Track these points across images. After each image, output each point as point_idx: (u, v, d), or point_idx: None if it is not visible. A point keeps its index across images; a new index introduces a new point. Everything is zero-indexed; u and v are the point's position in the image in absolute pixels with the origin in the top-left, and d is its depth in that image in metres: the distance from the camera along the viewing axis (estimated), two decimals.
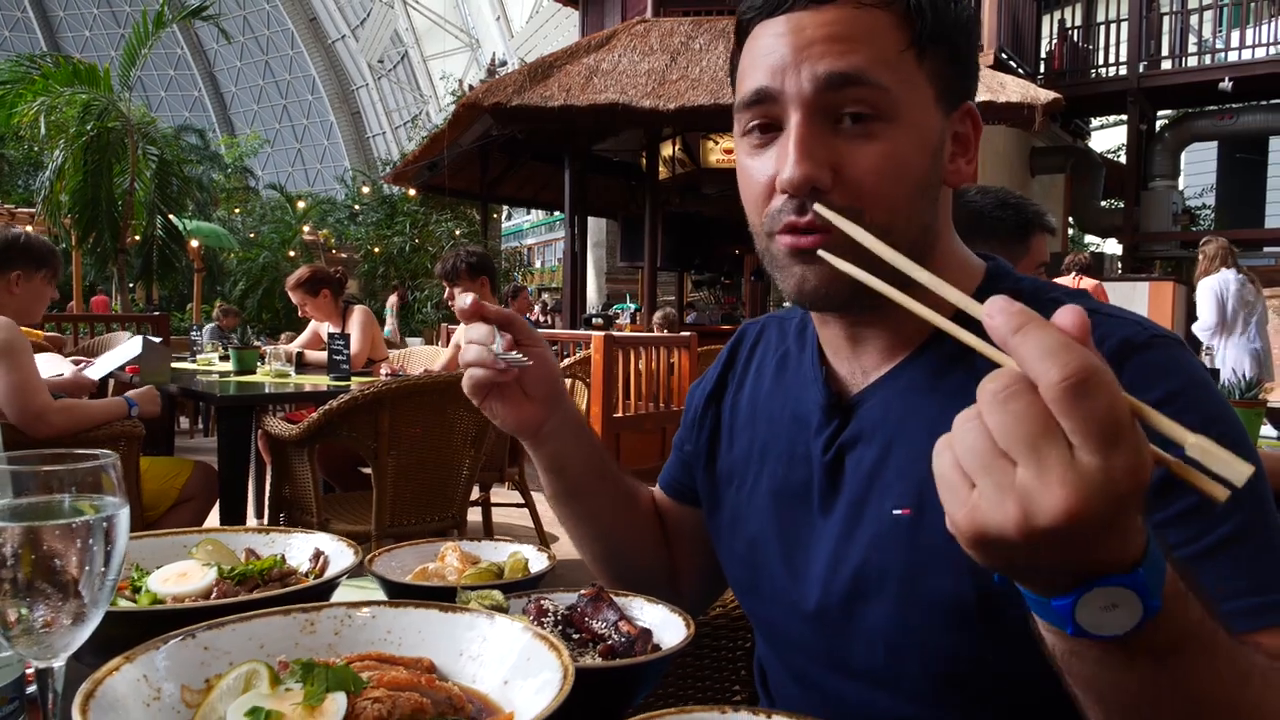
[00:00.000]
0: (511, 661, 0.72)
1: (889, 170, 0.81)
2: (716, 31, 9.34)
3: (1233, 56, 12.74)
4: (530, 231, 31.36)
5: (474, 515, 4.29)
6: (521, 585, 0.97)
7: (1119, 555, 0.50)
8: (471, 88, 13.14)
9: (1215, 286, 6.76)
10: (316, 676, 0.62)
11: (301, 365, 4.74)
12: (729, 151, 10.41)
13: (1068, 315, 0.49)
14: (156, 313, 11.22)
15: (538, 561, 1.05)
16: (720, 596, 1.34)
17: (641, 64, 9.04)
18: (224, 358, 5.16)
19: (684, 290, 16.76)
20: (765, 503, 0.98)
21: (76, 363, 3.78)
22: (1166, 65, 12.97)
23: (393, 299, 14.44)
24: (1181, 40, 12.97)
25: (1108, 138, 19.58)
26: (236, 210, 22.52)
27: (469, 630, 0.76)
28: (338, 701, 0.61)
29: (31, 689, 0.72)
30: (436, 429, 3.40)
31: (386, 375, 4.31)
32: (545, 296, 20.95)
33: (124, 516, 0.62)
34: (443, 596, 0.87)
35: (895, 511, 0.84)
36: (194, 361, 5.27)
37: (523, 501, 4.77)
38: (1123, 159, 14.66)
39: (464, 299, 0.95)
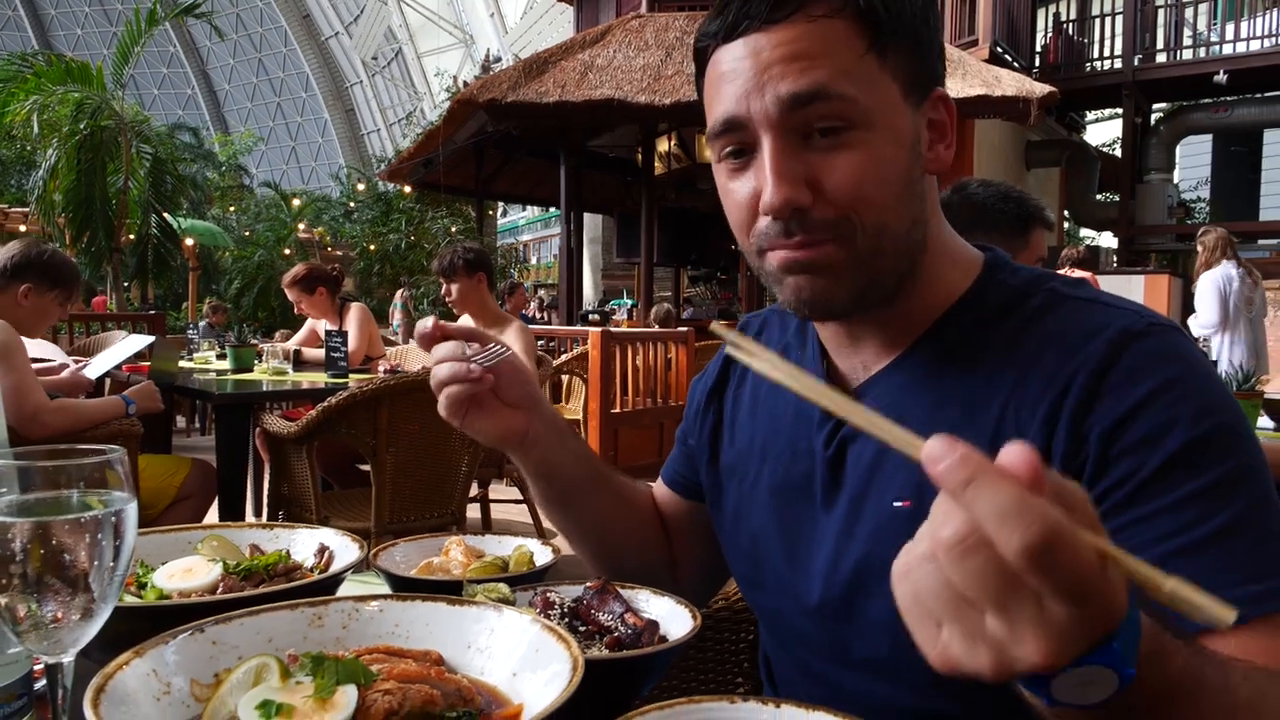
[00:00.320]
0: (520, 653, 0.72)
1: (870, 176, 0.80)
2: None
3: (1227, 49, 12.76)
4: (526, 228, 31.31)
5: (472, 511, 4.29)
6: (527, 578, 0.97)
7: (1095, 641, 0.49)
8: (466, 84, 13.13)
9: (1218, 281, 6.55)
10: (327, 669, 0.62)
11: (299, 363, 4.74)
12: None
13: (1017, 457, 0.45)
14: (152, 311, 11.20)
15: (542, 555, 1.05)
16: (721, 590, 1.34)
17: (636, 59, 9.03)
18: (221, 356, 5.16)
19: (680, 286, 16.75)
20: (767, 497, 0.98)
21: (75, 363, 3.77)
22: (1161, 58, 13.00)
23: (403, 293, 14.41)
24: (1176, 33, 12.99)
25: (1103, 131, 19.62)
26: (231, 208, 22.48)
27: (477, 623, 0.76)
28: (348, 694, 0.61)
29: (39, 685, 0.72)
30: (435, 425, 3.39)
31: (385, 371, 4.30)
32: (541, 293, 20.94)
33: (132, 511, 0.62)
34: (448, 590, 0.87)
35: (896, 503, 0.85)
36: (191, 360, 5.26)
37: (521, 498, 4.77)
38: (1118, 152, 14.69)
39: (423, 324, 0.94)
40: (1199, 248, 6.74)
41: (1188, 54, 13.14)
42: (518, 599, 0.88)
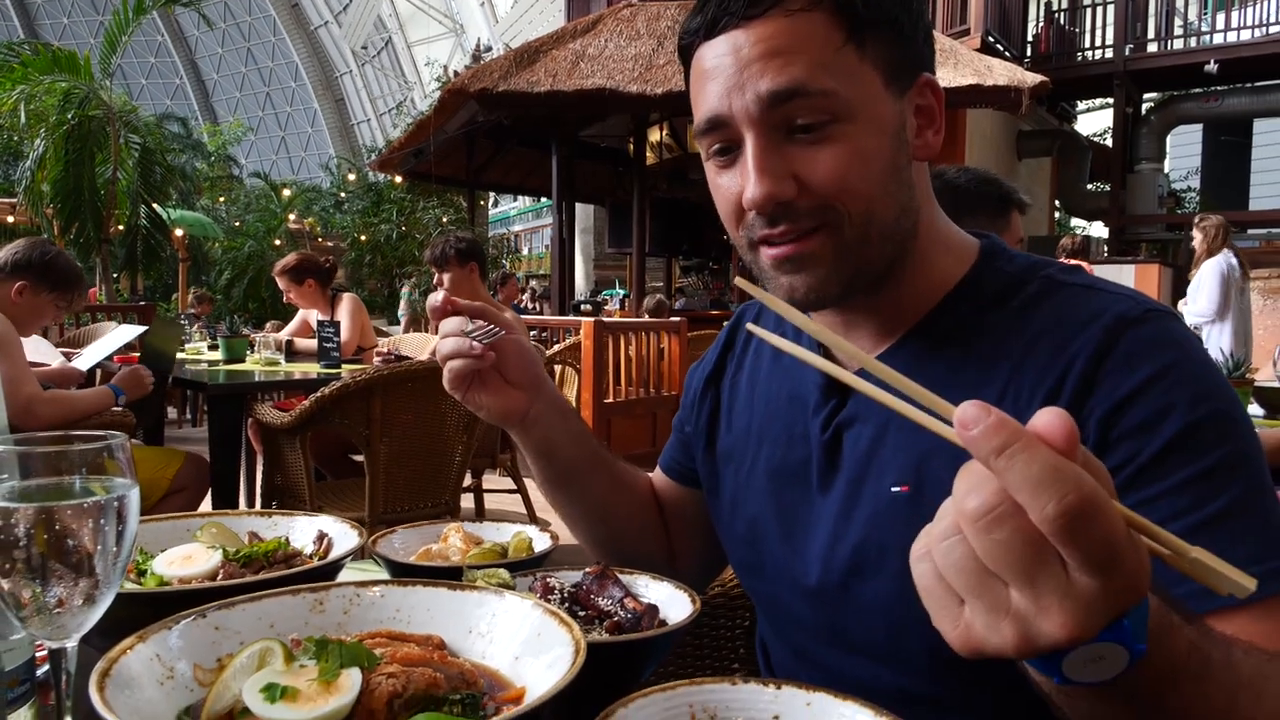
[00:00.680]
0: (522, 637, 0.72)
1: (854, 167, 0.81)
2: None
3: (1218, 39, 12.80)
4: (517, 218, 31.26)
5: (466, 501, 4.29)
6: (526, 564, 0.97)
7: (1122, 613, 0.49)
8: (456, 74, 13.06)
9: (1221, 267, 6.55)
10: (330, 653, 0.63)
11: (291, 354, 4.73)
12: None
13: (1054, 422, 0.45)
14: (142, 303, 11.15)
15: (541, 541, 1.05)
16: (718, 577, 1.35)
17: (628, 49, 9.00)
18: (213, 346, 5.14)
19: (672, 276, 16.75)
20: (764, 483, 0.98)
21: (66, 355, 3.76)
22: (1152, 48, 13.01)
23: (413, 282, 14.37)
24: (1167, 23, 13.00)
25: (1094, 121, 19.64)
26: (221, 199, 22.35)
27: (478, 608, 0.77)
28: (352, 677, 0.62)
29: (41, 671, 0.72)
30: (429, 415, 3.40)
31: (382, 356, 4.30)
32: (533, 283, 20.90)
33: (134, 496, 0.62)
34: (448, 576, 0.88)
35: (894, 489, 0.85)
36: (183, 351, 5.24)
37: (515, 487, 4.78)
38: (1109, 142, 14.72)
39: (434, 297, 0.96)
40: (1197, 234, 6.74)
41: (1179, 44, 13.15)
42: (517, 585, 0.89)
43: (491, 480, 4.98)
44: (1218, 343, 6.53)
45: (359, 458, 3.52)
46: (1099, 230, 15.54)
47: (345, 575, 0.93)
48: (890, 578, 0.85)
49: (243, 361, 4.45)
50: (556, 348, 6.63)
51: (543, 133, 10.41)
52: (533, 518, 4.60)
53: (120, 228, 12.86)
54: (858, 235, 0.83)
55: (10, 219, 13.23)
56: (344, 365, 4.23)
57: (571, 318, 8.82)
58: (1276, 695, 0.59)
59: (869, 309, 0.91)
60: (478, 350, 0.94)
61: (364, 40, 48.31)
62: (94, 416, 3.12)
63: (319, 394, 3.14)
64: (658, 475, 1.21)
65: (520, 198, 26.21)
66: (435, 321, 0.97)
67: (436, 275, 4.22)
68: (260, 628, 0.72)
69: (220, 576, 0.89)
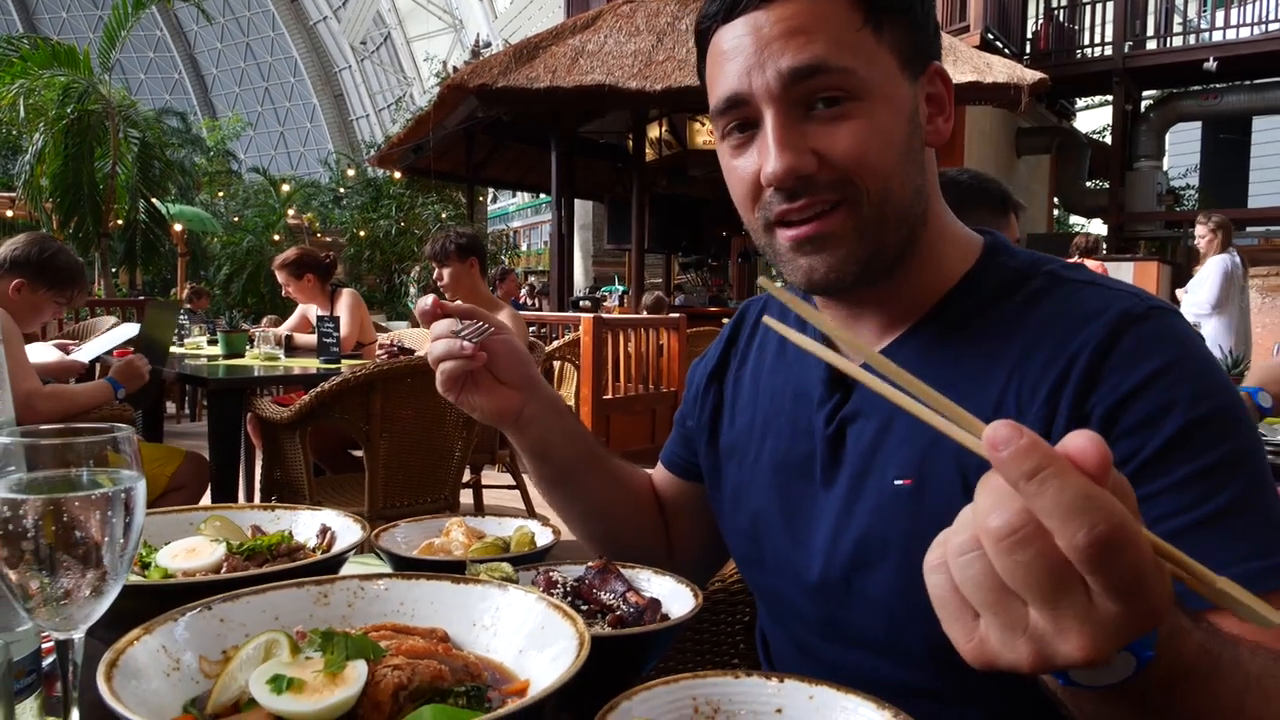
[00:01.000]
0: (526, 631, 0.73)
1: (872, 142, 0.83)
2: None
3: (1217, 36, 12.79)
4: (516, 214, 31.22)
5: (465, 497, 4.30)
6: (528, 558, 0.98)
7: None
8: (455, 69, 13.04)
9: (1226, 264, 6.65)
10: (336, 645, 0.63)
11: (291, 349, 4.73)
12: None
13: (1087, 447, 0.44)
14: (141, 297, 11.14)
15: (543, 535, 1.06)
16: (718, 572, 1.35)
17: (628, 45, 8.98)
18: (212, 341, 5.14)
19: (671, 272, 16.74)
20: (767, 476, 0.99)
21: (64, 349, 3.75)
22: (1151, 45, 13.01)
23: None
24: (1166, 20, 13.00)
25: (1093, 118, 19.63)
26: (220, 194, 22.28)
27: (482, 601, 0.77)
28: (358, 669, 0.62)
29: (47, 662, 0.73)
30: (428, 411, 3.40)
31: (385, 349, 4.30)
32: (532, 279, 20.89)
33: (141, 489, 0.63)
34: (451, 570, 0.88)
35: (897, 482, 0.86)
36: (182, 346, 5.24)
37: (514, 483, 4.78)
38: (1108, 139, 14.72)
39: (424, 301, 0.97)
40: (1205, 233, 6.78)
41: (1178, 41, 13.16)
42: (519, 579, 0.89)
43: (490, 476, 4.99)
44: (1215, 340, 6.55)
45: (358, 453, 3.52)
46: (1098, 228, 15.54)
47: (347, 569, 0.93)
48: (892, 571, 0.85)
49: (242, 356, 4.44)
50: (556, 344, 6.64)
51: (542, 129, 10.40)
52: (531, 514, 4.60)
53: (119, 222, 12.85)
54: (875, 213, 0.84)
55: (9, 213, 13.21)
56: (343, 360, 4.24)
57: (571, 314, 8.83)
58: None
59: (876, 300, 0.92)
60: (469, 350, 0.94)
61: (363, 35, 48.23)
62: (93, 411, 3.12)
63: (319, 389, 3.14)
64: (659, 470, 1.22)
65: (519, 194, 26.17)
66: (425, 325, 0.98)
67: (436, 270, 4.21)
68: (265, 620, 0.73)
69: (224, 569, 0.89)
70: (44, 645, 0.71)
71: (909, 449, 0.86)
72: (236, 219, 19.73)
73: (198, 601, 0.71)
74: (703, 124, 10.87)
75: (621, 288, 16.43)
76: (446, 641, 0.73)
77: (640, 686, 0.66)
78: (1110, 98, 13.70)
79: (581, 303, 13.13)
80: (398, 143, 11.83)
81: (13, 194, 12.58)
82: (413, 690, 0.62)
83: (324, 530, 1.01)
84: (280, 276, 4.95)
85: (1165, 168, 15.19)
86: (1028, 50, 12.96)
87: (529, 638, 0.72)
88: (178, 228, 14.95)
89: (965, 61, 8.62)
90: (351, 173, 19.64)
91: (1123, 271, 10.25)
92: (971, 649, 0.48)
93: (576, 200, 13.91)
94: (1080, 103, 17.35)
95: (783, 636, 1.03)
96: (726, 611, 1.40)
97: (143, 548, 0.94)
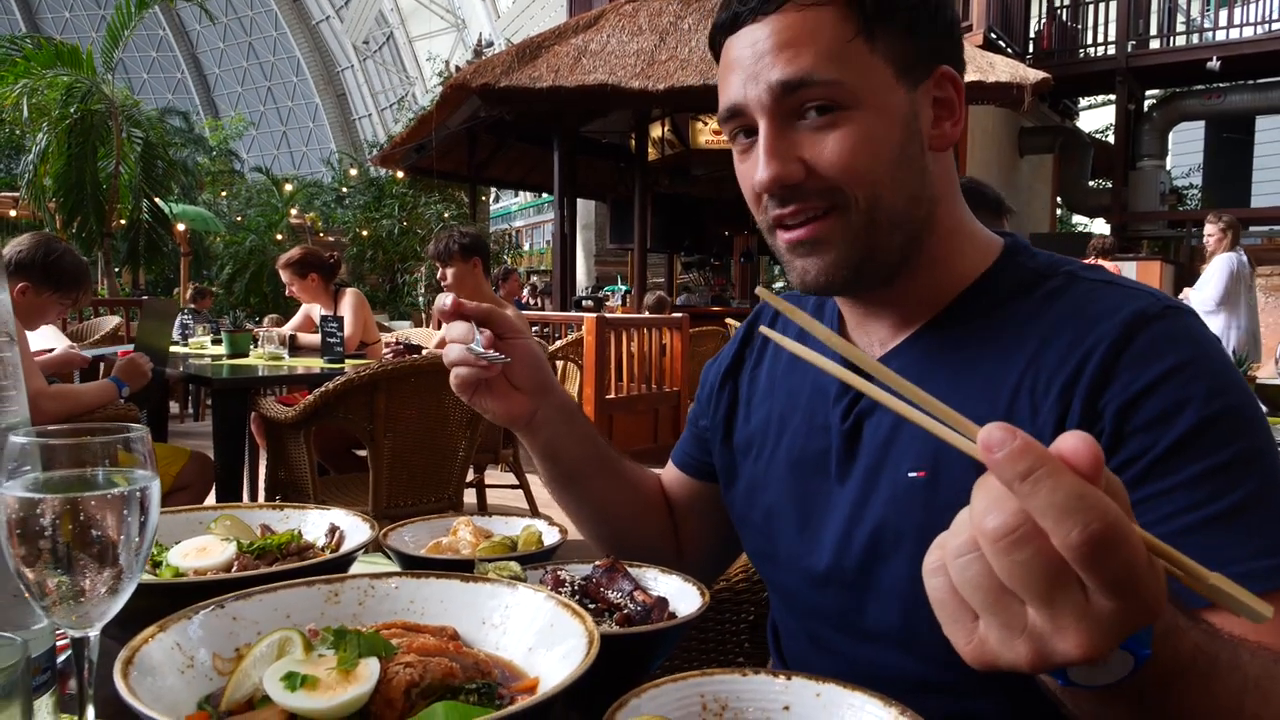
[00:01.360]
0: (536, 629, 0.73)
1: (860, 152, 0.84)
2: (705, 11, 9.28)
3: (1220, 36, 12.77)
4: (519, 214, 31.22)
5: (468, 496, 4.31)
6: (536, 557, 0.98)
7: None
8: (458, 69, 13.05)
9: (1232, 263, 6.72)
10: (349, 642, 0.64)
11: (294, 348, 4.74)
12: (718, 133, 10.37)
13: (1079, 447, 0.44)
14: (144, 297, 11.15)
15: (550, 535, 1.06)
16: (725, 572, 1.36)
17: (630, 44, 8.99)
18: (216, 341, 5.15)
19: (674, 272, 16.74)
20: (783, 471, 1.00)
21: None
22: (1155, 45, 13.00)
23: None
24: (1169, 19, 12.99)
25: (1096, 118, 19.61)
26: (222, 194, 22.31)
27: (491, 599, 0.78)
28: (370, 666, 0.63)
29: (60, 660, 0.73)
30: (432, 411, 3.41)
31: (392, 348, 4.30)
32: (534, 279, 20.91)
33: (156, 488, 0.63)
34: (460, 569, 0.89)
35: (911, 474, 0.87)
36: (186, 345, 5.25)
37: (517, 483, 4.79)
38: (1111, 139, 14.70)
39: (443, 299, 0.98)
40: (1214, 232, 6.81)
41: (1181, 40, 13.15)
42: (528, 578, 0.90)
43: (493, 475, 5.00)
44: (1222, 336, 6.57)
45: (362, 453, 3.53)
46: (1100, 227, 15.53)
47: (356, 568, 0.94)
48: (906, 561, 0.86)
49: (246, 356, 4.45)
50: (559, 344, 6.65)
51: (544, 128, 10.41)
52: (535, 513, 4.61)
53: (122, 222, 12.87)
54: (865, 220, 0.86)
55: (13, 213, 13.23)
56: (347, 360, 4.24)
57: (573, 314, 8.83)
58: None
59: (889, 299, 0.94)
60: (481, 364, 0.96)
61: (365, 35, 48.23)
62: (98, 410, 3.13)
63: (323, 389, 3.15)
64: (669, 470, 1.23)
65: (522, 193, 26.18)
66: (446, 322, 0.98)
67: (440, 270, 4.22)
68: (277, 618, 0.74)
69: (235, 568, 0.90)
70: (58, 643, 0.72)
71: (923, 442, 0.87)
72: (239, 219, 19.75)
73: (211, 600, 0.72)
74: (705, 123, 10.89)
75: (624, 287, 16.42)
76: (457, 639, 0.74)
77: (649, 684, 0.66)
78: (1113, 97, 13.69)
79: (584, 302, 13.13)
80: (400, 142, 11.85)
81: (16, 194, 12.61)
82: (424, 687, 0.63)
83: (333, 529, 1.02)
84: (284, 276, 4.96)
85: (1168, 167, 15.18)
86: (1030, 50, 12.95)
87: (538, 636, 0.73)
88: (181, 227, 14.97)
89: (968, 61, 8.54)
90: (354, 172, 19.66)
91: (1125, 271, 10.20)
92: (971, 650, 0.49)
93: (579, 200, 13.89)
94: (1083, 102, 17.34)
95: (796, 629, 1.04)
96: (731, 610, 1.41)
97: (154, 547, 0.95)
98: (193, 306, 10.97)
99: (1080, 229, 18.09)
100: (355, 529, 1.01)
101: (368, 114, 48.90)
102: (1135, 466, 0.76)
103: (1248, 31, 12.49)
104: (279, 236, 18.39)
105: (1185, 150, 21.22)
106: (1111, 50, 12.94)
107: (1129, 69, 12.71)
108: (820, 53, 0.83)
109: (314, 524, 1.05)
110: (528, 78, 8.61)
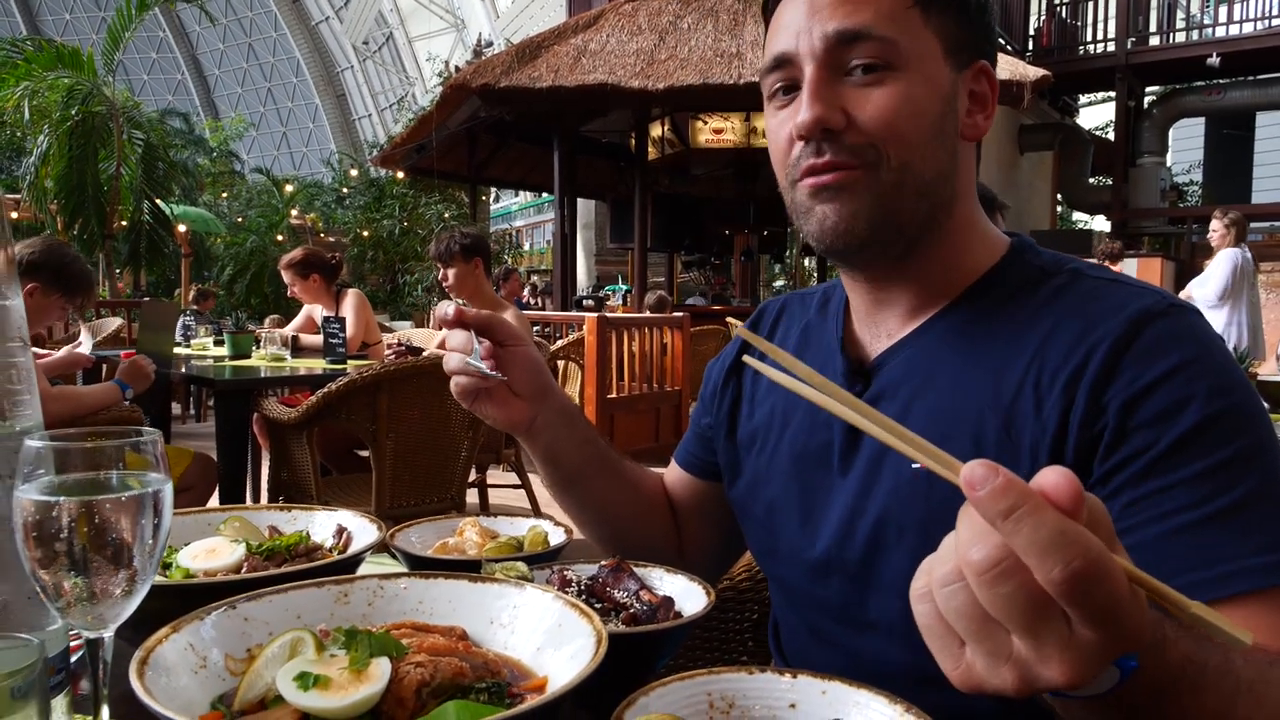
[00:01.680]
0: (544, 628, 0.74)
1: (901, 110, 0.86)
2: (705, 10, 9.29)
3: (1220, 32, 12.77)
4: (519, 214, 31.23)
5: (470, 496, 4.31)
6: (542, 557, 0.99)
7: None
8: (458, 69, 13.05)
9: (1236, 258, 6.75)
10: (360, 643, 0.64)
11: (296, 349, 4.75)
12: (718, 132, 10.39)
13: (1060, 483, 0.45)
14: (146, 298, 11.17)
15: (556, 535, 1.07)
16: (726, 573, 1.37)
17: (630, 44, 9.00)
18: (218, 342, 5.16)
19: (674, 271, 16.75)
20: (786, 465, 1.01)
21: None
22: (1154, 41, 13.01)
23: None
24: (1169, 16, 13.00)
25: (1096, 114, 19.60)
26: (223, 195, 22.32)
27: (499, 599, 0.78)
28: (382, 666, 0.63)
29: (72, 660, 0.74)
30: (435, 411, 3.41)
31: (394, 349, 4.31)
32: (535, 279, 20.91)
33: (169, 491, 0.64)
34: (467, 569, 0.89)
35: (914, 466, 0.87)
36: (188, 346, 5.26)
37: (519, 483, 4.80)
38: (1111, 136, 14.71)
39: (445, 307, 0.99)
40: (1219, 226, 6.82)
41: (1180, 36, 13.15)
42: (535, 578, 0.90)
43: (495, 475, 5.00)
44: (1223, 333, 6.58)
45: (365, 453, 3.53)
46: (1101, 224, 15.54)
47: (363, 569, 0.95)
48: (908, 553, 0.87)
49: (248, 357, 4.46)
50: (560, 343, 6.65)
51: (544, 128, 10.42)
52: (537, 513, 4.62)
53: (123, 223, 12.89)
54: (894, 179, 0.87)
55: (14, 215, 13.23)
56: (349, 361, 4.25)
57: (575, 313, 8.84)
58: (1278, 700, 0.60)
59: (900, 283, 0.94)
60: (479, 376, 0.97)
61: (365, 35, 48.22)
62: (102, 412, 3.13)
63: (326, 390, 3.16)
64: (672, 470, 1.24)
65: (522, 193, 26.19)
66: (447, 330, 0.99)
67: (441, 271, 4.22)
68: (288, 619, 0.74)
69: (245, 570, 0.91)
70: (72, 644, 0.73)
71: (928, 433, 0.87)
72: (240, 220, 19.76)
73: (222, 601, 0.73)
74: (705, 122, 10.91)
75: (625, 287, 16.42)
76: (466, 639, 0.75)
77: (656, 683, 0.67)
78: (1113, 94, 13.70)
79: (585, 302, 13.13)
80: (400, 143, 11.86)
81: (18, 196, 12.62)
82: (435, 687, 0.63)
83: (340, 530, 1.03)
84: (286, 276, 4.97)
85: (1168, 164, 15.18)
86: (1030, 47, 12.97)
87: (546, 635, 0.74)
88: (181, 228, 14.97)
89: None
90: (354, 173, 19.68)
91: (1126, 268, 10.24)
92: (959, 675, 0.50)
93: (579, 199, 13.90)
94: (1083, 99, 17.34)
95: (797, 623, 1.04)
96: (735, 610, 1.41)
97: None
98: (195, 308, 10.97)
99: (1081, 226, 18.09)
100: (362, 530, 1.02)
101: (368, 114, 48.90)
102: (1138, 462, 0.77)
103: (1247, 27, 12.50)
104: (280, 237, 18.41)
105: (1185, 146, 21.20)
106: (1111, 47, 12.95)
107: (1129, 66, 12.71)
108: (879, 10, 0.85)
109: (321, 525, 1.06)
110: (527, 78, 8.62)
